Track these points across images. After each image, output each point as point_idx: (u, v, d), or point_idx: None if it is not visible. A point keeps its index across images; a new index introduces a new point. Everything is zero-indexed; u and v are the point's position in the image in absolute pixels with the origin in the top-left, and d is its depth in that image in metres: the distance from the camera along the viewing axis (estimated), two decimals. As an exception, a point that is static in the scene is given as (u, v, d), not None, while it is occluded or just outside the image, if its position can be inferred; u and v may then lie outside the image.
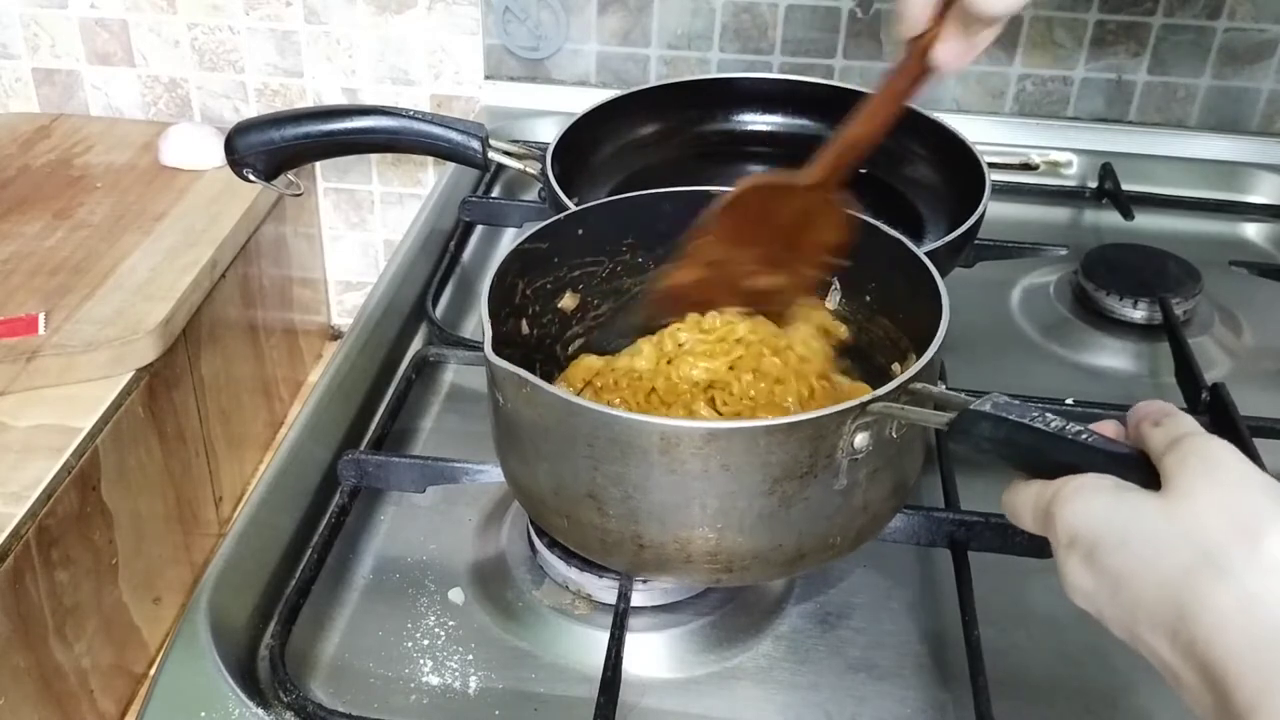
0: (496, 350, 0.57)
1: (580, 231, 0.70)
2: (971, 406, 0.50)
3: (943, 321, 0.59)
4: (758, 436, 0.53)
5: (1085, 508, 0.45)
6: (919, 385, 0.55)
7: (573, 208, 0.77)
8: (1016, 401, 0.49)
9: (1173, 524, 0.42)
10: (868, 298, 0.71)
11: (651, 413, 0.66)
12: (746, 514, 0.55)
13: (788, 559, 0.58)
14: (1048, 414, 0.49)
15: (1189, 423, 0.46)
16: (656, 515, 0.56)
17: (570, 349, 0.73)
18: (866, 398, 0.53)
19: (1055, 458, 0.48)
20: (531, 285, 0.69)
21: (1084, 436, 0.47)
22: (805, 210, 0.67)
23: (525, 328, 0.68)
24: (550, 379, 0.70)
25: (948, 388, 0.58)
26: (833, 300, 0.72)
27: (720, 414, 0.67)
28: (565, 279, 0.71)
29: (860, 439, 0.54)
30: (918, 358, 0.57)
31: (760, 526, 0.56)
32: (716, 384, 0.68)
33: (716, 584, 0.65)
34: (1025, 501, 0.48)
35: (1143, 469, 0.45)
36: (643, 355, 0.70)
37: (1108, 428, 0.49)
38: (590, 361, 0.70)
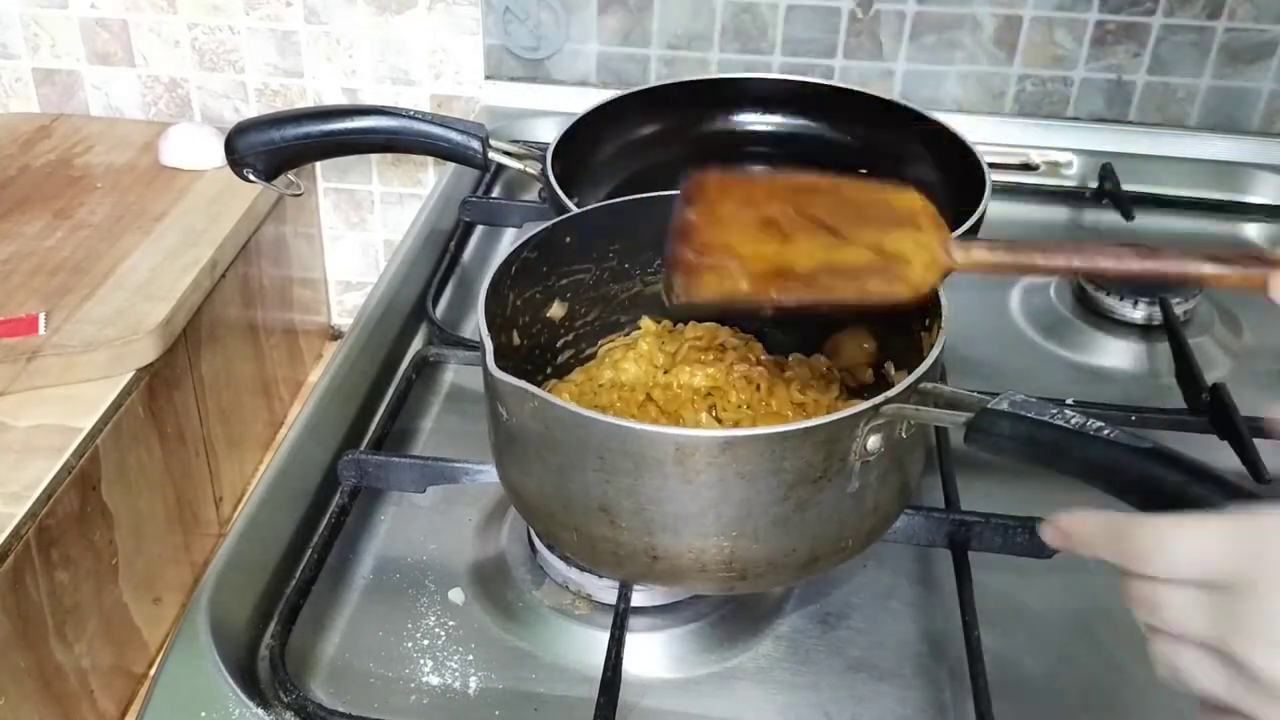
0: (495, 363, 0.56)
1: (569, 239, 0.69)
2: (989, 405, 0.49)
3: (942, 318, 0.59)
4: (773, 443, 0.52)
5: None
6: (928, 385, 0.55)
7: (573, 208, 0.77)
8: (1033, 399, 0.49)
9: None
10: None
11: (652, 423, 0.66)
12: (761, 521, 0.55)
13: (801, 563, 0.57)
14: (1066, 411, 0.48)
15: None
16: (671, 526, 0.55)
17: (559, 359, 0.73)
18: (879, 399, 0.53)
19: (1079, 455, 0.47)
20: (521, 295, 0.68)
21: (1106, 432, 0.47)
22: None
23: (516, 339, 0.68)
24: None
25: (948, 389, 0.58)
26: None
27: (719, 423, 0.67)
28: (554, 288, 0.71)
29: (873, 441, 0.54)
30: (908, 357, 0.57)
31: (775, 532, 0.55)
32: (715, 391, 0.68)
33: (730, 592, 0.64)
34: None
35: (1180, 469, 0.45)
36: (624, 368, 0.70)
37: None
38: (568, 387, 0.70)
